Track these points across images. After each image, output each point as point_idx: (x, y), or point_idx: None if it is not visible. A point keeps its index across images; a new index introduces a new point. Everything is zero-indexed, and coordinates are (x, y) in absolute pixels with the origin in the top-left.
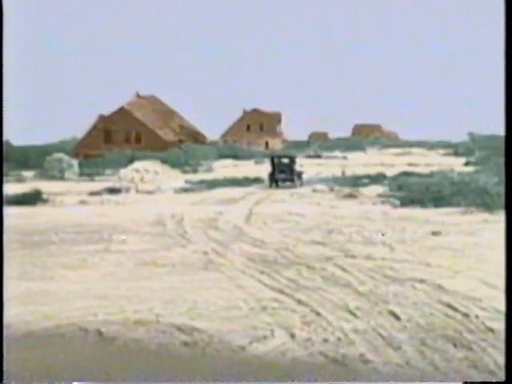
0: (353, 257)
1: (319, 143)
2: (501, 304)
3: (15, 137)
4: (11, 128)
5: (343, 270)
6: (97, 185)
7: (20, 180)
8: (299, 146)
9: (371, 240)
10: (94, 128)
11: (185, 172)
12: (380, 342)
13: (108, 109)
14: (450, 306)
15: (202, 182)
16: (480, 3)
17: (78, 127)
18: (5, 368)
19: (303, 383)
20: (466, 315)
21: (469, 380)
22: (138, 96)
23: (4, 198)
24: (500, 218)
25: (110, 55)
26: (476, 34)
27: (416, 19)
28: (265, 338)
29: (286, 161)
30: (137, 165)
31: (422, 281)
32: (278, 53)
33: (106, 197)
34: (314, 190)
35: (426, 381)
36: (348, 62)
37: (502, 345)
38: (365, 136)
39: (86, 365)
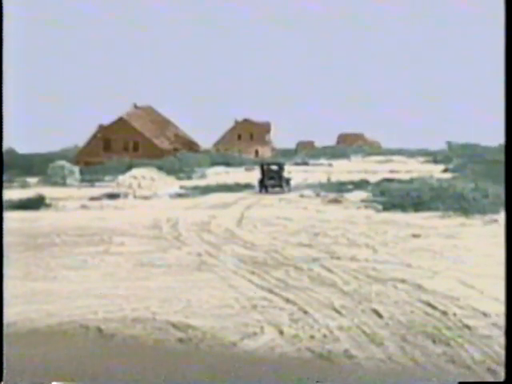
0: (338, 258)
1: (306, 151)
2: (477, 303)
3: (20, 145)
4: (17, 137)
5: (329, 270)
6: (97, 190)
7: (24, 186)
8: (287, 153)
9: (355, 242)
10: (94, 137)
11: (180, 178)
12: (363, 339)
13: (107, 119)
14: (429, 304)
15: (195, 187)
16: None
17: (79, 136)
18: (6, 364)
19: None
20: (444, 313)
21: (465, 380)
22: (136, 107)
23: (9, 203)
24: (476, 221)
25: (109, 68)
26: (455, 47)
27: (399, 34)
28: (255, 334)
29: (274, 168)
30: (134, 172)
31: (403, 281)
32: (267, 67)
33: (106, 202)
34: (302, 196)
35: (423, 380)
36: (333, 75)
37: (478, 341)
38: (349, 144)
39: (86, 360)
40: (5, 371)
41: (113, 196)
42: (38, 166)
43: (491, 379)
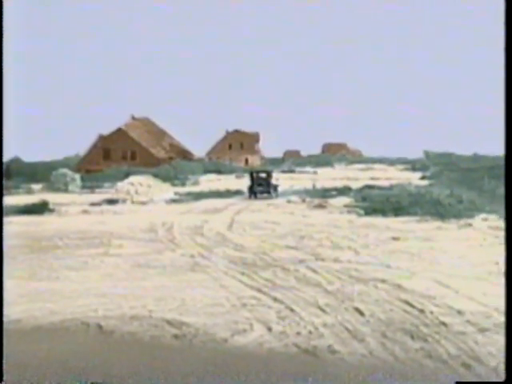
0: (322, 260)
1: (292, 160)
2: (452, 301)
3: (26, 154)
4: (22, 146)
5: (314, 271)
6: (97, 196)
7: (29, 192)
8: (275, 162)
9: (338, 245)
10: (95, 146)
11: (174, 185)
12: (346, 335)
13: (107, 129)
14: (407, 303)
15: (189, 194)
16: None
17: (80, 146)
18: (9, 359)
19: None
20: (421, 311)
21: (464, 380)
22: (133, 118)
23: (15, 208)
24: (451, 225)
25: (108, 82)
26: (430, 59)
27: (380, 50)
28: (245, 331)
29: (263, 175)
30: (132, 179)
31: (383, 281)
32: (256, 81)
33: (105, 207)
34: (288, 201)
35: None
36: (317, 88)
37: (453, 337)
38: (333, 153)
39: (87, 354)
40: (5, 372)
41: (112, 202)
42: (41, 173)
43: (465, 373)
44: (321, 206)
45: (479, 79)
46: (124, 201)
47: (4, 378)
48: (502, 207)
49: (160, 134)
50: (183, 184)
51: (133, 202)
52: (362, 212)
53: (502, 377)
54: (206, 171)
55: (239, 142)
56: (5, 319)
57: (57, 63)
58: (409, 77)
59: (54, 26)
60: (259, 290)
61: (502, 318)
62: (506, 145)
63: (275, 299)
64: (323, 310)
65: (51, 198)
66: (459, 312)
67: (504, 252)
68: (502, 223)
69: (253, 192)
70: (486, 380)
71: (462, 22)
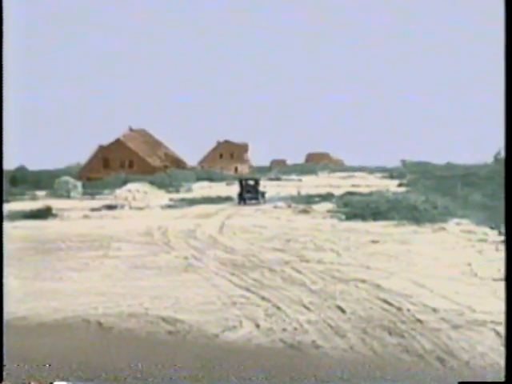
0: (306, 261)
1: (279, 168)
2: (427, 300)
3: (30, 163)
4: (27, 156)
5: (299, 272)
6: (97, 202)
7: (34, 198)
8: (262, 170)
9: (322, 247)
10: (95, 156)
11: (169, 192)
12: (329, 331)
13: (106, 140)
14: (386, 301)
15: (183, 200)
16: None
17: (81, 155)
18: (12, 354)
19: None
20: (399, 309)
21: (465, 380)
22: (131, 129)
23: (21, 213)
24: (426, 229)
25: (108, 95)
26: (413, 71)
27: (360, 58)
28: (234, 327)
29: (251, 183)
30: (130, 186)
31: (363, 281)
32: (245, 94)
33: (105, 212)
34: (275, 207)
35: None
36: (301, 102)
37: (428, 333)
38: (316, 162)
39: (88, 349)
40: (12, 365)
41: (111, 207)
42: (45, 181)
43: (439, 366)
44: (305, 212)
45: (453, 94)
46: (122, 206)
47: (4, 377)
48: (473, 212)
49: (156, 145)
50: (177, 191)
51: (130, 208)
52: (343, 217)
53: (474, 370)
54: (199, 179)
55: (229, 151)
56: (12, 316)
57: (59, 77)
58: (386, 92)
59: (56, 36)
60: (248, 290)
61: (473, 316)
62: (506, 147)
63: (263, 298)
64: (307, 308)
65: (54, 203)
66: (434, 310)
67: (496, 254)
68: (473, 227)
69: (242, 198)
70: (486, 380)
71: (446, 36)
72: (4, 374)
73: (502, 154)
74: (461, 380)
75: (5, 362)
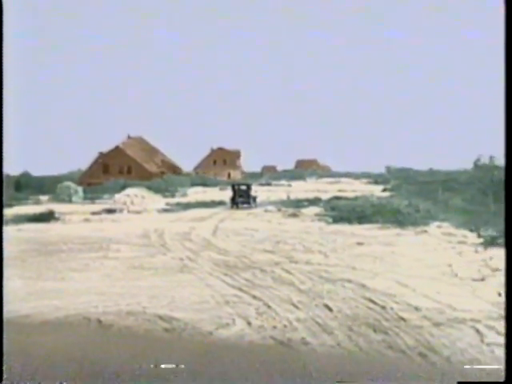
0: (295, 262)
1: (269, 174)
2: (410, 299)
3: (34, 169)
4: (31, 163)
5: (288, 272)
6: (97, 206)
7: (38, 202)
8: (254, 176)
9: (310, 249)
10: (95, 162)
11: (165, 196)
12: (317, 328)
13: (106, 147)
14: (371, 300)
15: (178, 204)
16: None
17: (82, 161)
18: (17, 350)
19: None
20: (383, 307)
21: (464, 380)
22: (129, 137)
23: (25, 217)
24: (409, 232)
25: (107, 104)
26: (392, 84)
27: (349, 68)
28: (227, 325)
29: (243, 188)
30: (128, 191)
31: (349, 281)
32: (238, 103)
33: (104, 216)
34: (266, 211)
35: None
36: (290, 109)
37: (411, 331)
38: (305, 168)
39: (88, 346)
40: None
41: (110, 211)
42: (48, 186)
43: (422, 362)
44: (294, 215)
45: (435, 104)
46: (121, 210)
47: (4, 377)
48: (453, 216)
49: (153, 152)
50: (173, 195)
51: (129, 212)
52: (330, 220)
53: (454, 365)
54: (193, 184)
55: (222, 158)
56: (16, 314)
57: (61, 87)
58: (371, 102)
59: (58, 48)
60: (240, 289)
61: (454, 314)
62: (506, 149)
63: (254, 297)
64: (296, 307)
65: (56, 207)
66: (416, 308)
67: (504, 254)
68: (453, 230)
69: (235, 202)
70: (486, 380)
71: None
72: (8, 370)
73: (482, 160)
74: (461, 380)
75: (10, 357)
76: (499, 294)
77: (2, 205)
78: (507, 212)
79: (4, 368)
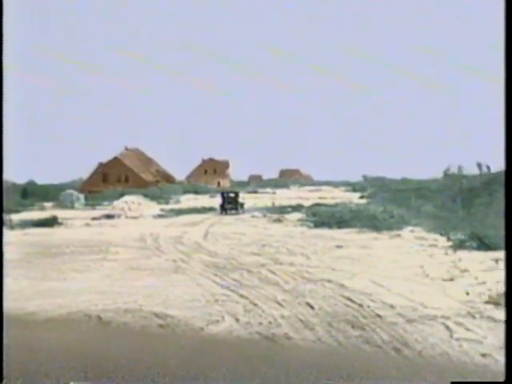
0: (280, 264)
1: (256, 183)
2: (385, 298)
3: (39, 178)
4: (37, 172)
5: (273, 273)
6: (97, 212)
7: (42, 209)
8: (241, 184)
9: (293, 252)
10: (95, 172)
11: (160, 203)
12: (299, 325)
13: (105, 158)
14: (349, 299)
15: (172, 210)
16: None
17: (83, 171)
18: (24, 344)
19: None
20: (360, 305)
21: (459, 380)
22: (126, 149)
23: (31, 222)
24: (384, 236)
25: (106, 118)
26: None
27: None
28: (217, 321)
29: (232, 195)
30: (126, 198)
31: (329, 281)
32: (226, 119)
33: (104, 221)
34: (252, 216)
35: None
36: (274, 123)
37: (386, 327)
38: (288, 177)
39: (89, 340)
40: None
41: (109, 216)
42: (52, 193)
43: (396, 355)
44: (278, 220)
45: (408, 117)
46: (119, 216)
47: (4, 378)
48: (425, 221)
49: (148, 162)
50: (167, 202)
51: (126, 217)
52: (311, 225)
53: (426, 359)
54: (186, 192)
55: (213, 168)
56: (22, 312)
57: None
58: (349, 116)
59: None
60: (229, 289)
61: (425, 311)
62: (506, 152)
63: (242, 296)
64: (280, 305)
65: (60, 213)
66: (391, 306)
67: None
68: (425, 234)
69: (224, 209)
70: (484, 380)
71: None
72: (13, 362)
73: (451, 170)
74: (461, 379)
75: (16, 350)
76: (467, 293)
77: (1, 206)
78: (507, 212)
79: (8, 362)
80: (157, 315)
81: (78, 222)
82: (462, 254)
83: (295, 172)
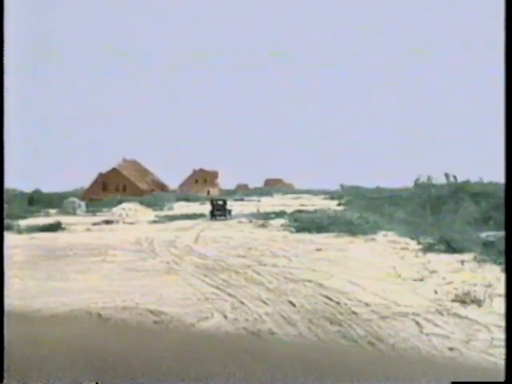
0: (264, 265)
1: (242, 191)
2: (361, 296)
3: (44, 187)
4: (42, 182)
5: (258, 274)
6: (97, 218)
7: (47, 215)
8: (229, 193)
9: (276, 254)
10: (96, 181)
11: (155, 210)
12: (282, 321)
13: (104, 168)
14: (327, 297)
15: (165, 216)
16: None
17: (84, 181)
18: (30, 337)
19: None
20: (338, 303)
21: (458, 380)
22: (124, 160)
23: (37, 227)
24: (360, 240)
25: (105, 130)
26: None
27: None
28: (207, 318)
29: (220, 202)
30: (123, 205)
31: (309, 281)
32: (215, 129)
33: (103, 226)
34: (239, 222)
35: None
36: (259, 135)
37: (362, 323)
38: (272, 186)
39: (90, 335)
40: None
41: (108, 222)
42: (56, 201)
43: (370, 348)
44: (263, 226)
45: (383, 129)
46: (117, 221)
47: (5, 378)
48: (397, 226)
49: (144, 172)
50: (161, 209)
51: (124, 223)
52: (293, 230)
53: (398, 352)
54: (178, 199)
55: (203, 177)
56: (29, 309)
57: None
58: (328, 128)
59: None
60: (218, 288)
61: (397, 309)
62: (506, 155)
63: (229, 294)
64: (265, 303)
65: (63, 219)
66: (366, 304)
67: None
68: (397, 238)
69: (213, 215)
70: (484, 380)
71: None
72: (19, 355)
73: (421, 179)
74: (461, 379)
75: (22, 344)
76: (435, 292)
77: (2, 207)
78: (507, 212)
79: (16, 354)
80: (152, 312)
81: (80, 227)
82: (431, 256)
83: (279, 181)
